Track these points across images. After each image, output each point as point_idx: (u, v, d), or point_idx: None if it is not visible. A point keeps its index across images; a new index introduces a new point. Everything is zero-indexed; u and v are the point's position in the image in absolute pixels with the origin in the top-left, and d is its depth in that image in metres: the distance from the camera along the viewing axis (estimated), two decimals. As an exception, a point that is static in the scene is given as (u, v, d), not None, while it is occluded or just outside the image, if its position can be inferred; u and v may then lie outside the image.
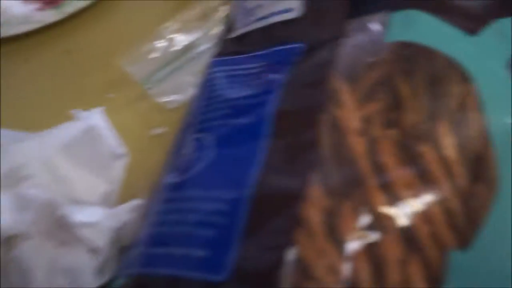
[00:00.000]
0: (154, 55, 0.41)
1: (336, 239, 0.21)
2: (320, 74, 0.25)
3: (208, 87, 0.29)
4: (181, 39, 0.42)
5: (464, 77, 0.25)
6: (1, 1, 0.52)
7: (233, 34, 0.32)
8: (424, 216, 0.21)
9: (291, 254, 0.20)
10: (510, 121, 0.23)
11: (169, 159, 0.28)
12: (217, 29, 0.42)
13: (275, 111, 0.25)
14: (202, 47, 0.41)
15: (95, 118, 0.32)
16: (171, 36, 0.42)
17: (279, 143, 0.24)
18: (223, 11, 0.44)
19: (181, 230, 0.23)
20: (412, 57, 0.27)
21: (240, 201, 0.22)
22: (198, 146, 0.26)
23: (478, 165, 0.23)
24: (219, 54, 0.31)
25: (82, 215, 0.28)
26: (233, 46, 0.31)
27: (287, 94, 0.25)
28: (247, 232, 0.21)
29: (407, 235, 0.21)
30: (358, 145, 0.23)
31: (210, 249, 0.21)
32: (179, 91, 0.40)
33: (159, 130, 0.39)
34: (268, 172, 0.23)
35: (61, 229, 0.28)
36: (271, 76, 0.27)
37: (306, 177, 0.22)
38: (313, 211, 0.21)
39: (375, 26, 0.27)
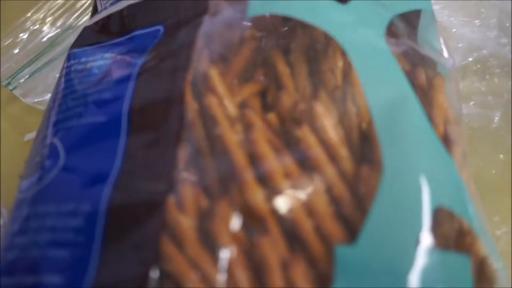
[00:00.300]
0: (15, 50, 0.37)
1: (210, 245, 0.18)
2: (180, 58, 0.22)
3: (63, 83, 0.25)
4: (47, 31, 0.37)
5: (343, 51, 0.23)
6: None
7: (91, 21, 0.28)
8: (307, 208, 0.19)
9: (157, 270, 0.17)
10: (390, 96, 0.21)
11: (24, 169, 0.24)
12: (85, 19, 0.38)
13: (132, 105, 0.22)
14: (71, 39, 0.37)
15: None
16: (35, 27, 0.38)
17: (138, 142, 0.20)
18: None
19: (31, 255, 0.19)
20: (288, 32, 0.25)
21: (95, 214, 0.19)
22: (50, 152, 0.22)
23: (363, 145, 0.21)
24: (77, 45, 0.27)
25: None
26: (92, 34, 0.28)
27: (144, 84, 0.22)
28: (105, 250, 0.18)
29: (289, 233, 0.19)
30: (231, 135, 0.21)
31: (64, 274, 0.18)
32: (50, 90, 0.36)
33: (32, 135, 0.35)
34: (128, 177, 0.20)
35: None
36: (127, 65, 0.24)
37: (171, 178, 0.19)
38: (184, 216, 0.19)
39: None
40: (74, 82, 0.25)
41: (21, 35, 0.37)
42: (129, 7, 0.27)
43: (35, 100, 0.36)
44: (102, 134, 0.21)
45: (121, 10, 0.27)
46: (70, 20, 0.38)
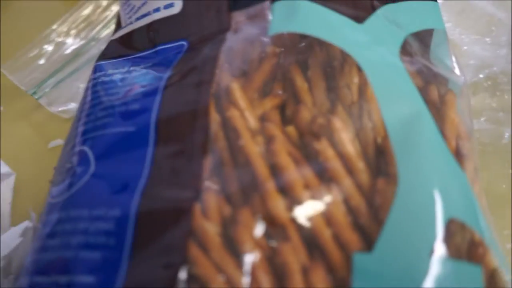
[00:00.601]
0: (41, 61, 0.38)
1: (235, 250, 0.19)
2: (204, 72, 0.24)
3: (91, 94, 0.26)
4: (71, 42, 0.39)
5: (359, 68, 0.24)
6: None
7: (117, 34, 0.30)
8: (326, 218, 0.20)
9: (185, 272, 0.18)
10: (405, 112, 0.22)
11: (55, 175, 0.25)
12: (108, 31, 0.39)
13: (159, 116, 0.23)
14: (95, 50, 0.39)
15: None
16: (59, 39, 0.39)
17: (165, 151, 0.22)
18: (113, 11, 0.41)
19: (65, 256, 0.20)
20: (306, 48, 0.26)
21: (126, 218, 0.20)
22: (80, 159, 0.23)
23: (378, 159, 0.22)
24: (103, 57, 0.29)
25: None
26: (117, 48, 0.29)
27: (171, 97, 0.23)
28: (135, 252, 0.19)
29: (309, 240, 0.20)
30: (253, 146, 0.22)
31: (97, 275, 0.19)
32: (74, 99, 0.37)
33: (56, 142, 0.36)
34: (156, 184, 0.21)
35: None
36: (154, 78, 0.25)
37: (197, 186, 0.20)
38: (209, 223, 0.20)
39: (261, 17, 0.25)
40: (101, 93, 0.26)
41: (46, 46, 0.39)
42: (154, 22, 0.28)
43: (60, 109, 0.37)
44: (130, 143, 0.22)
45: (146, 25, 0.28)
46: (93, 33, 0.39)
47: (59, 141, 0.36)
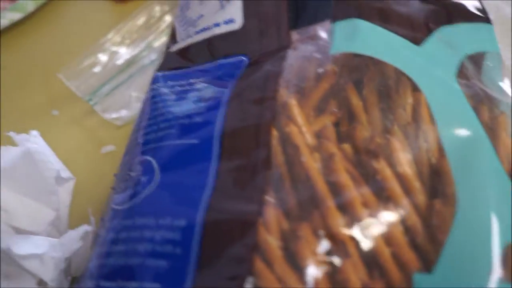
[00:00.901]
0: (96, 69, 0.39)
1: (296, 265, 0.20)
2: (266, 88, 0.24)
3: (151, 104, 0.27)
4: (124, 52, 0.40)
5: (415, 88, 0.25)
6: None
7: (176, 47, 0.31)
8: (385, 237, 0.21)
9: (250, 283, 0.19)
10: (463, 134, 0.23)
11: (117, 182, 0.26)
12: (161, 41, 0.40)
13: (223, 130, 0.24)
14: (146, 60, 0.40)
15: (33, 142, 0.30)
16: (113, 49, 0.40)
17: (230, 164, 0.22)
18: (166, 21, 0.42)
19: (132, 262, 0.21)
20: (361, 68, 0.26)
21: (192, 229, 0.21)
22: (144, 169, 0.24)
23: (435, 180, 0.22)
24: (162, 68, 0.30)
25: (26, 247, 0.26)
26: (176, 60, 0.30)
27: (234, 111, 0.24)
28: (202, 262, 0.20)
29: (369, 259, 0.20)
30: (312, 162, 0.23)
31: (163, 283, 0.20)
32: (126, 107, 0.38)
33: (108, 148, 0.38)
34: (220, 197, 0.22)
35: (4, 262, 0.27)
36: (216, 92, 0.26)
37: (260, 200, 0.21)
38: (271, 236, 0.20)
39: (319, 36, 0.26)
40: (160, 104, 0.27)
41: (100, 55, 0.40)
42: (215, 37, 0.29)
43: (113, 116, 0.38)
44: (194, 155, 0.23)
45: (207, 40, 0.29)
46: (146, 42, 0.41)
47: (111, 147, 0.37)
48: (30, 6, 0.46)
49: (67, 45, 0.46)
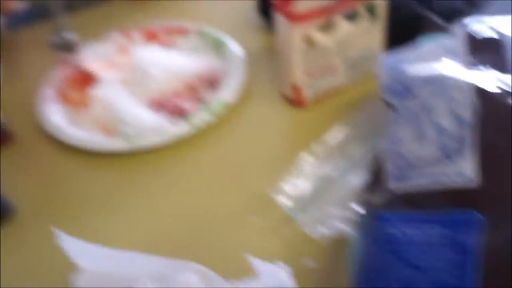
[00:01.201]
0: (298, 185, 0.44)
1: None
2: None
3: (376, 240, 0.31)
4: (319, 171, 0.45)
5: None
6: (129, 111, 0.54)
7: (396, 186, 0.34)
8: None
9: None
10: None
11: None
12: (349, 163, 0.45)
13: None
14: (339, 179, 0.44)
15: (281, 277, 0.32)
16: (310, 168, 0.46)
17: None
18: (353, 146, 0.47)
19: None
20: None
21: None
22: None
23: None
24: (385, 208, 0.33)
25: None
26: (400, 202, 0.33)
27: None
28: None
29: None
30: None
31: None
32: (324, 223, 0.42)
33: (311, 263, 0.40)
34: None
35: None
36: (459, 247, 0.29)
37: None
38: None
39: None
40: (393, 245, 0.30)
41: (299, 173, 0.46)
42: (446, 189, 0.32)
43: (309, 230, 0.42)
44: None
45: (437, 190, 0.32)
46: (334, 164, 0.46)
47: (313, 263, 0.40)
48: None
49: (255, 152, 0.51)
